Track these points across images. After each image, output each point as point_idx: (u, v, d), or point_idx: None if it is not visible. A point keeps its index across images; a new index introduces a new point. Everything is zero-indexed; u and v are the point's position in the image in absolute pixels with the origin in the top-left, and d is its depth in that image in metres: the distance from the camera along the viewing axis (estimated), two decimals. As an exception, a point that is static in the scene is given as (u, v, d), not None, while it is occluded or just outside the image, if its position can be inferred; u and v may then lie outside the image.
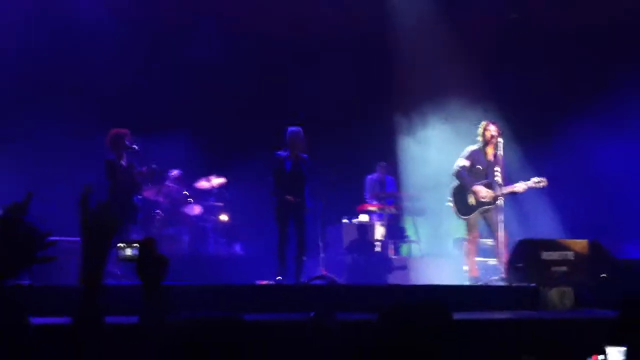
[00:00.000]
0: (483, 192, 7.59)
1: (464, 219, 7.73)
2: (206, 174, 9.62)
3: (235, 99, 10.59)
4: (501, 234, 7.46)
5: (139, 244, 2.62)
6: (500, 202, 7.53)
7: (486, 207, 7.61)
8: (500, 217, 7.50)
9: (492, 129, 7.65)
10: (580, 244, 6.77)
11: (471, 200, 7.64)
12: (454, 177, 7.76)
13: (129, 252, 2.56)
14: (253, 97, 10.68)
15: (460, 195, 7.71)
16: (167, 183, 9.57)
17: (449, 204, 7.81)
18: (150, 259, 2.60)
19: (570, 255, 6.66)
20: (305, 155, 7.51)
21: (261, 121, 10.36)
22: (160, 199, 9.28)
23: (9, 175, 8.68)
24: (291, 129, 7.53)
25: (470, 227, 7.70)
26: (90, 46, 9.79)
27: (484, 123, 7.77)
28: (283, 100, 10.52)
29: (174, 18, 10.41)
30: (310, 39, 10.67)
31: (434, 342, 2.27)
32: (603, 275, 6.76)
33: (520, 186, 7.59)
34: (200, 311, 5.22)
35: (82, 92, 9.65)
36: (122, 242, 2.52)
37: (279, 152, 7.50)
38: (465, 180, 7.65)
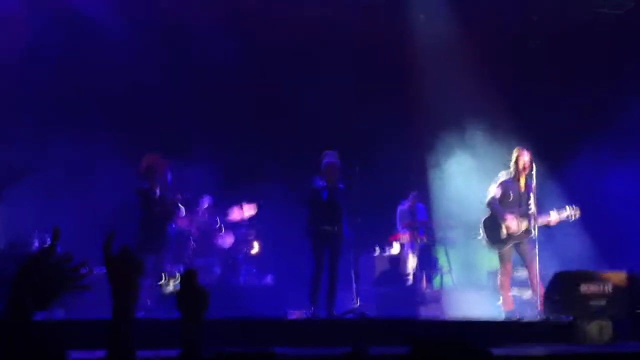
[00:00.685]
0: (514, 224, 7.46)
1: (497, 251, 7.60)
2: (236, 201, 9.63)
3: (265, 126, 10.64)
4: (535, 266, 7.32)
5: (180, 276, 2.64)
6: (534, 234, 7.39)
7: (519, 240, 7.48)
8: (534, 249, 7.37)
9: (525, 158, 7.53)
10: (618, 276, 6.64)
11: (503, 232, 7.51)
12: (486, 208, 7.64)
13: (171, 287, 2.59)
14: (284, 125, 10.72)
15: (491, 226, 7.57)
16: (199, 212, 9.61)
17: (481, 235, 7.69)
18: (191, 292, 2.62)
19: (608, 287, 6.53)
20: (341, 185, 7.50)
21: (293, 148, 10.39)
22: (193, 228, 9.31)
23: (38, 201, 8.84)
24: (327, 159, 7.51)
25: (503, 260, 7.57)
26: (110, 64, 9.92)
27: (516, 151, 7.65)
28: (313, 128, 10.53)
29: (198, 39, 10.48)
30: (339, 69, 10.70)
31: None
32: (641, 308, 6.60)
33: (553, 218, 7.44)
34: (233, 346, 5.24)
35: (105, 114, 9.79)
36: (164, 277, 2.53)
37: (315, 182, 7.48)
38: (497, 211, 7.52)
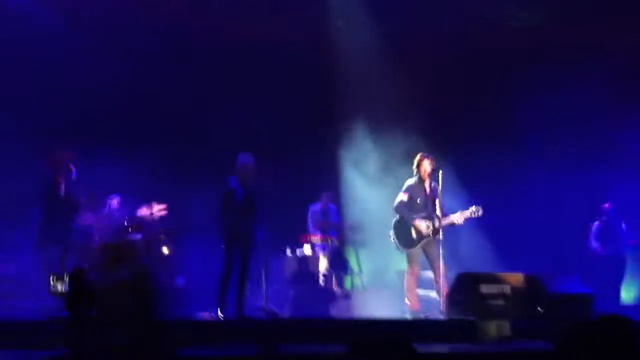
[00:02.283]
0: (423, 226, 7.73)
1: (406, 252, 7.83)
2: (146, 201, 9.47)
3: (175, 123, 10.52)
4: (441, 266, 7.58)
5: (69, 276, 2.62)
6: (440, 235, 7.68)
7: (426, 240, 7.74)
8: (440, 249, 7.63)
9: (426, 164, 7.83)
10: (517, 278, 6.92)
11: (412, 234, 7.76)
12: (395, 212, 7.88)
13: (59, 288, 2.55)
14: (193, 123, 10.62)
15: (401, 229, 7.83)
16: (106, 210, 9.39)
17: (391, 238, 7.90)
18: (79, 292, 2.59)
19: (507, 288, 6.80)
20: (256, 185, 7.48)
21: (203, 147, 10.32)
22: (98, 225, 9.08)
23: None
24: (243, 159, 7.47)
25: (411, 261, 7.82)
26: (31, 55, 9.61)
27: (418, 157, 7.94)
28: (224, 126, 10.48)
29: (108, 31, 10.26)
30: (252, 64, 10.71)
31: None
32: (539, 308, 6.91)
33: (458, 217, 7.75)
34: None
35: (14, 107, 9.47)
36: (52, 277, 2.49)
37: (230, 183, 7.41)
38: (405, 214, 7.78)
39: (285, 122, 10.50)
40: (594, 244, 10.10)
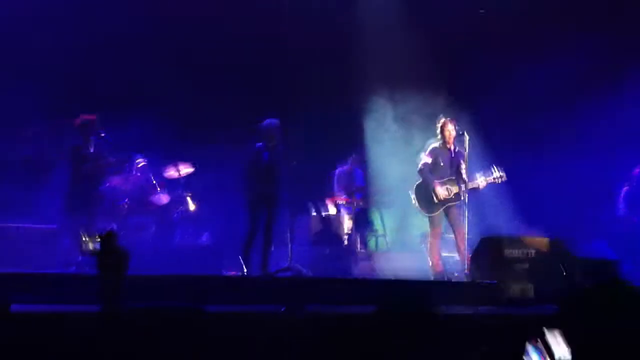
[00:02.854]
0: (443, 190, 7.69)
1: (428, 216, 7.83)
2: (173, 162, 9.54)
3: (202, 85, 10.52)
4: (463, 230, 7.58)
5: (100, 237, 2.68)
6: (464, 198, 7.66)
7: (448, 204, 7.72)
8: (462, 214, 7.63)
9: (450, 128, 7.77)
10: (541, 242, 6.91)
11: (433, 198, 7.74)
12: (417, 175, 7.85)
13: (91, 246, 2.64)
14: (221, 83, 10.62)
15: (423, 192, 7.82)
16: (134, 171, 9.49)
17: (413, 201, 7.90)
18: (111, 252, 2.66)
19: (531, 252, 6.80)
20: (282, 147, 7.52)
21: (229, 108, 10.32)
22: (128, 187, 9.20)
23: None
24: (268, 120, 7.51)
25: (433, 224, 7.82)
26: (34, 23, 9.61)
27: (442, 121, 7.88)
28: (252, 85, 10.48)
29: None
30: (279, 29, 10.66)
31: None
32: (564, 272, 6.90)
33: (481, 182, 7.71)
34: (163, 301, 5.26)
35: (32, 73, 9.50)
36: (85, 235, 2.58)
37: (256, 144, 7.46)
38: (427, 177, 7.75)
39: (312, 86, 10.49)
40: (622, 208, 9.97)
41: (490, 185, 7.82)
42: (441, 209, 7.73)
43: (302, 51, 10.57)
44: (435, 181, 7.72)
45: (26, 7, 9.55)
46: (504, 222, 9.37)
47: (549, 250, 6.89)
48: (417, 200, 7.84)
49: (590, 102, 9.89)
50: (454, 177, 7.73)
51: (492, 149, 9.18)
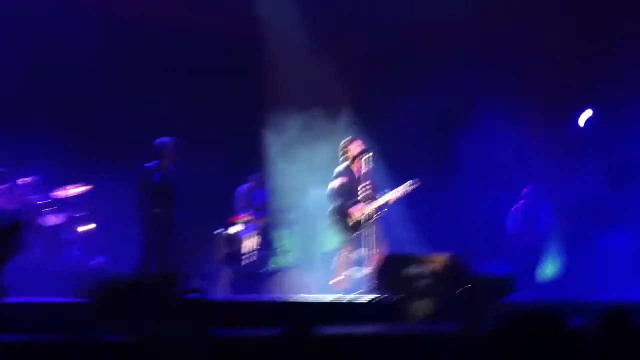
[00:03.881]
0: (358, 213, 7.74)
1: (350, 238, 7.83)
2: (67, 182, 9.18)
3: (96, 102, 10.21)
4: (378, 247, 7.64)
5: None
6: (376, 216, 7.71)
7: (364, 224, 7.75)
8: (378, 230, 7.69)
9: (354, 147, 7.84)
10: (441, 258, 7.02)
11: (349, 221, 7.77)
12: (330, 201, 7.85)
13: None
14: (113, 102, 10.31)
15: (338, 217, 7.84)
16: (19, 188, 9.04)
17: (330, 226, 7.89)
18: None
19: (431, 269, 6.90)
20: (173, 166, 7.32)
21: (123, 126, 10.04)
22: (13, 207, 8.74)
23: None
24: (161, 139, 7.33)
25: (347, 245, 7.85)
26: None
27: (345, 141, 7.94)
28: (151, 102, 10.25)
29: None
30: (174, 42, 10.49)
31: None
32: (461, 289, 7.04)
33: (391, 196, 7.79)
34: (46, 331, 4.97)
35: None
36: None
37: (146, 165, 7.25)
38: (339, 203, 7.77)
39: (214, 106, 10.37)
40: (512, 226, 10.36)
41: (397, 204, 7.91)
42: (357, 231, 7.75)
43: (201, 70, 10.45)
44: (347, 204, 7.73)
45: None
46: (408, 241, 9.53)
47: (447, 268, 7.01)
48: (334, 224, 7.85)
49: (488, 123, 10.24)
50: (363, 197, 7.76)
51: (396, 168, 9.34)
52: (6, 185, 8.33)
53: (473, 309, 6.88)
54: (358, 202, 7.76)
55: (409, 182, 7.80)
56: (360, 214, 7.74)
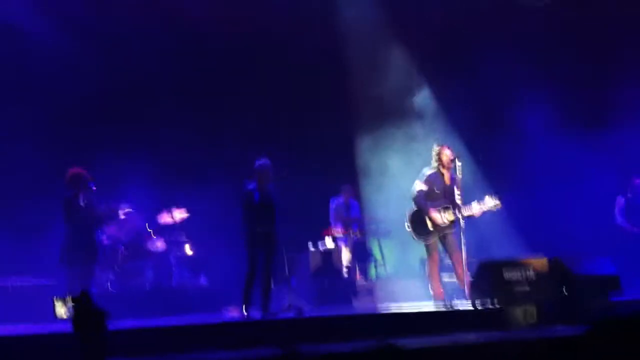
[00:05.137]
0: (439, 218, 7.67)
1: (423, 243, 7.79)
2: (167, 208, 9.56)
3: (191, 126, 10.58)
4: (460, 256, 7.53)
5: (73, 300, 2.66)
6: (460, 224, 7.61)
7: (445, 231, 7.70)
8: (459, 240, 7.59)
9: (447, 153, 7.76)
10: (540, 262, 6.87)
11: (428, 225, 7.70)
12: (412, 202, 7.83)
13: (62, 311, 2.61)
14: (209, 123, 10.67)
15: (417, 220, 7.77)
16: (126, 218, 9.49)
17: (407, 229, 7.86)
18: (86, 314, 2.63)
19: (531, 273, 6.75)
20: (272, 186, 7.52)
21: (221, 148, 10.35)
22: (122, 235, 9.21)
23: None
24: (260, 161, 7.54)
25: (430, 250, 7.78)
26: (35, 65, 9.59)
27: (437, 147, 7.86)
28: (240, 125, 10.53)
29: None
30: (264, 63, 10.73)
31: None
32: (563, 292, 6.86)
33: (475, 210, 7.66)
34: (165, 352, 5.18)
35: (29, 115, 9.49)
36: (57, 300, 2.52)
37: (247, 185, 7.49)
38: (422, 205, 7.72)
39: (302, 117, 10.53)
40: (619, 219, 9.96)
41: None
42: (437, 236, 7.70)
43: (291, 87, 10.64)
44: (430, 208, 7.69)
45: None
46: (502, 246, 9.34)
47: (548, 270, 6.85)
48: (412, 227, 7.80)
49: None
50: (449, 204, 7.70)
51: (486, 172, 9.21)
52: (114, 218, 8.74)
53: (578, 310, 6.70)
54: (442, 207, 7.68)
55: (493, 202, 7.63)
56: (443, 219, 7.65)
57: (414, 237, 7.82)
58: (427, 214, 7.67)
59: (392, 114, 10.68)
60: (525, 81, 10.27)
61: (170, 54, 10.33)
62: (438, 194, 7.73)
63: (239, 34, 10.52)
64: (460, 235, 7.56)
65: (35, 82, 9.62)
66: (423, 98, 10.68)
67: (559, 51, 10.46)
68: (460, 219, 7.59)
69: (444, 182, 7.77)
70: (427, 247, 7.77)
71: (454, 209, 7.66)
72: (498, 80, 10.20)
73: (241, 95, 10.55)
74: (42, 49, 9.56)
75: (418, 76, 10.69)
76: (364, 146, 10.86)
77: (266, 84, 10.61)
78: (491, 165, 9.57)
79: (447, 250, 7.74)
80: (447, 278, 8.41)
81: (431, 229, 7.68)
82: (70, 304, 2.57)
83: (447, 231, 7.70)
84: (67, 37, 9.72)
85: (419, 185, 7.80)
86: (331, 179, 10.57)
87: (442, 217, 7.65)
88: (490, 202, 7.63)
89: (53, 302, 2.98)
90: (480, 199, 7.69)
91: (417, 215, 7.78)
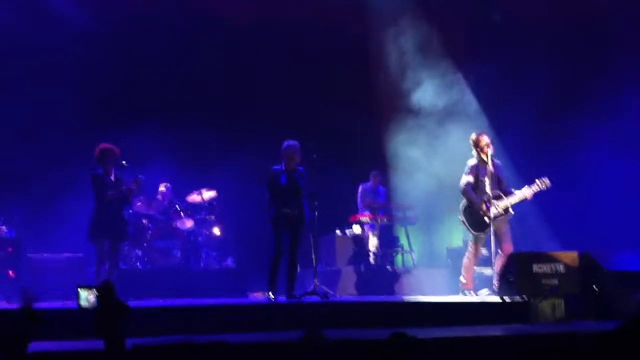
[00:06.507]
0: (492, 207, 7.47)
1: (479, 235, 7.63)
2: (196, 187, 9.59)
3: (222, 109, 10.61)
4: (510, 245, 7.44)
5: (97, 291, 2.66)
6: (511, 211, 7.53)
7: (498, 219, 7.52)
8: (508, 227, 7.50)
9: (485, 139, 7.61)
10: (570, 256, 6.77)
11: (483, 216, 7.52)
12: (462, 195, 7.70)
13: (87, 301, 2.60)
14: (239, 106, 10.69)
15: (471, 213, 7.62)
16: (158, 196, 9.55)
17: (461, 222, 7.74)
18: (109, 307, 2.62)
19: (560, 267, 6.67)
20: (301, 168, 7.47)
21: (250, 131, 10.37)
22: (151, 212, 9.28)
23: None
24: (288, 142, 7.47)
25: (477, 242, 7.66)
26: (66, 48, 9.72)
27: (475, 135, 7.71)
28: (269, 108, 10.53)
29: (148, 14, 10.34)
30: (295, 50, 10.70)
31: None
32: (594, 287, 6.77)
33: (526, 192, 7.53)
34: (188, 332, 5.22)
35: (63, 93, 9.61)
36: (81, 287, 2.53)
37: (274, 167, 7.44)
38: (472, 197, 7.57)
39: (333, 101, 10.48)
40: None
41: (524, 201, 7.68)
42: (491, 227, 7.52)
43: (319, 71, 10.60)
44: (482, 199, 7.55)
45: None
46: (533, 240, 9.21)
47: (578, 265, 6.75)
48: (467, 220, 7.64)
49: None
50: (498, 192, 7.58)
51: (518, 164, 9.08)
52: (144, 193, 8.79)
53: (607, 306, 6.61)
54: (491, 198, 7.51)
55: (542, 180, 7.51)
56: (496, 208, 7.51)
57: (470, 230, 7.67)
58: (479, 207, 7.55)
59: (422, 103, 10.58)
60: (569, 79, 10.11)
61: (199, 38, 10.43)
62: (484, 182, 7.54)
63: (272, 18, 10.52)
64: (509, 224, 7.49)
65: (71, 66, 9.77)
66: (457, 90, 10.53)
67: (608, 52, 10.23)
68: (510, 206, 7.49)
69: (488, 170, 7.55)
70: (477, 238, 7.66)
71: (504, 195, 7.55)
72: (542, 76, 10.01)
73: (273, 81, 10.57)
74: (77, 33, 9.69)
75: (450, 65, 10.51)
76: (394, 134, 10.75)
77: (299, 69, 10.62)
78: (524, 158, 9.46)
79: (498, 239, 7.53)
80: (476, 269, 8.31)
81: (486, 220, 7.51)
82: (94, 294, 2.56)
83: (502, 219, 7.55)
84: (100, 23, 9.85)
85: (465, 178, 7.64)
86: (361, 165, 10.51)
87: (495, 206, 7.53)
88: (539, 184, 7.50)
89: (77, 291, 2.99)
90: (529, 183, 7.58)
91: (470, 208, 7.63)
